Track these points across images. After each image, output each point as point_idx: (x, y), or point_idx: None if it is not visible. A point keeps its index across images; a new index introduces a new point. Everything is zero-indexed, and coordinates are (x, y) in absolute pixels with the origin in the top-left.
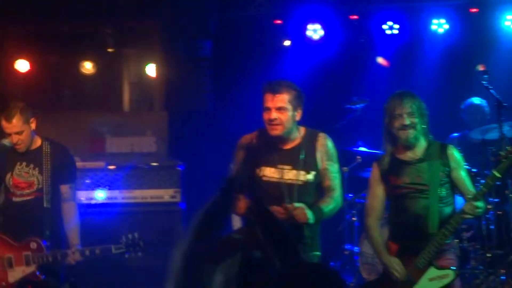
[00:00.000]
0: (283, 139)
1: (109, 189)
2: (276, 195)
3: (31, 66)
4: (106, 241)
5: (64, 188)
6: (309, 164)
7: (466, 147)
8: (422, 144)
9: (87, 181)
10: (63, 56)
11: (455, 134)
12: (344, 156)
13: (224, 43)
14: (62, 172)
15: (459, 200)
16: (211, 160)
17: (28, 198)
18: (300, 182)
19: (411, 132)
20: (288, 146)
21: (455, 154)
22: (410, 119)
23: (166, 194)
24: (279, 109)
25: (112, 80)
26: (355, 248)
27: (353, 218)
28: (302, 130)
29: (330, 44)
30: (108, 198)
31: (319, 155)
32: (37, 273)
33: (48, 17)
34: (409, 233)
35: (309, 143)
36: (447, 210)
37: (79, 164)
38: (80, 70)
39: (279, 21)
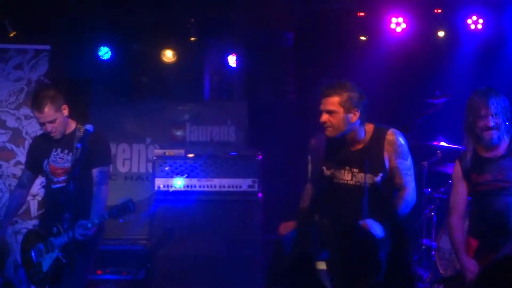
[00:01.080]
0: (349, 140)
1: (188, 177)
2: (346, 196)
3: (113, 53)
4: (183, 229)
5: (95, 172)
6: (376, 166)
7: None
8: (505, 140)
9: (166, 168)
10: (145, 44)
11: None
12: (424, 150)
13: (307, 35)
14: (93, 156)
15: None
16: (290, 151)
17: (64, 184)
18: (368, 185)
19: (495, 133)
20: (356, 147)
21: None
22: (495, 120)
23: (244, 184)
24: (329, 112)
25: (193, 69)
26: (433, 243)
27: (431, 213)
28: (370, 128)
29: (413, 38)
30: (186, 186)
31: (387, 155)
32: (59, 256)
33: (131, 5)
34: (490, 230)
35: (376, 143)
36: None
37: (159, 151)
38: (161, 59)
39: (362, 14)
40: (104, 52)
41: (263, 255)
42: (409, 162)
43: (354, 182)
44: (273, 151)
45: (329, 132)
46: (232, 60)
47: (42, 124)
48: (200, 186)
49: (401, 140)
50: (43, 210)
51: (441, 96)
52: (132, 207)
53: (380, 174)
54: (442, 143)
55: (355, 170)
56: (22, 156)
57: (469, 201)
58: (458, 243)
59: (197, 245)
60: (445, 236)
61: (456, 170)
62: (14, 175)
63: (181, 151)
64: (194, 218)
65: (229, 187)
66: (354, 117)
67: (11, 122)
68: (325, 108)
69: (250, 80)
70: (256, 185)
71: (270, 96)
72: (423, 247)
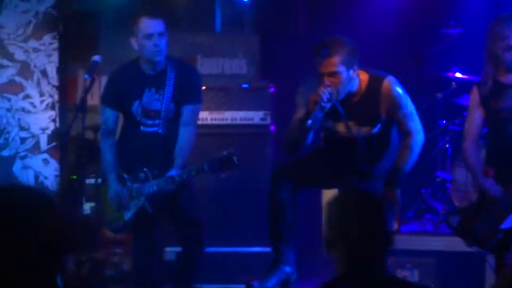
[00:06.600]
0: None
1: None
2: (347, 148)
3: None
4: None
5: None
6: (372, 118)
7: None
8: None
9: None
10: None
11: None
12: (439, 82)
13: None
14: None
15: None
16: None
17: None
18: (366, 136)
19: None
20: (351, 100)
21: None
22: None
23: (256, 116)
24: (332, 74)
25: (204, 1)
26: (447, 175)
27: (446, 145)
28: (364, 77)
29: None
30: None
31: (383, 108)
32: (146, 205)
33: None
34: (507, 158)
35: (372, 95)
36: None
37: None
38: None
39: None
40: None
41: None
42: (409, 108)
43: (349, 135)
44: (285, 83)
45: (335, 97)
46: None
47: None
48: (211, 119)
49: (398, 89)
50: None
51: (455, 26)
52: (238, 162)
53: (378, 125)
54: (457, 74)
55: (350, 123)
56: (31, 90)
57: (486, 131)
58: (474, 167)
59: (207, 178)
60: (460, 168)
61: (473, 96)
62: (23, 109)
63: None
64: (205, 151)
65: (240, 119)
66: (355, 72)
67: (19, 55)
68: (327, 70)
69: (262, 12)
70: (268, 118)
71: (282, 29)
72: (437, 179)
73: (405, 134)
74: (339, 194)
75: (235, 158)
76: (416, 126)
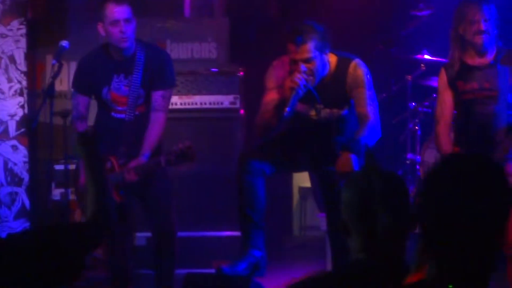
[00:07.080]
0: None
1: None
2: (317, 131)
3: None
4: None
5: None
6: (340, 100)
7: None
8: (492, 49)
9: None
10: None
11: None
12: (408, 64)
13: None
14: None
15: None
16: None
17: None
18: (335, 118)
19: (486, 37)
20: (321, 83)
21: None
22: (487, 25)
23: (225, 100)
24: (307, 60)
25: None
26: (417, 157)
27: (416, 127)
28: (333, 61)
29: None
30: None
31: (349, 88)
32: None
33: None
34: (473, 139)
35: (340, 76)
36: None
37: None
38: None
39: None
40: None
41: None
42: (372, 92)
43: (319, 118)
44: (254, 67)
45: (312, 82)
46: None
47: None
48: (180, 103)
49: (364, 69)
50: None
51: (425, 9)
52: (194, 154)
53: (346, 107)
54: (426, 56)
55: (319, 106)
56: None
57: (454, 114)
58: (445, 151)
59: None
60: (430, 149)
61: (441, 78)
62: None
63: None
64: (175, 135)
65: (210, 104)
66: (327, 56)
67: None
68: (303, 57)
69: None
70: (238, 102)
71: (252, 13)
72: (407, 161)
73: (362, 118)
74: (359, 172)
75: (191, 151)
76: (376, 114)
